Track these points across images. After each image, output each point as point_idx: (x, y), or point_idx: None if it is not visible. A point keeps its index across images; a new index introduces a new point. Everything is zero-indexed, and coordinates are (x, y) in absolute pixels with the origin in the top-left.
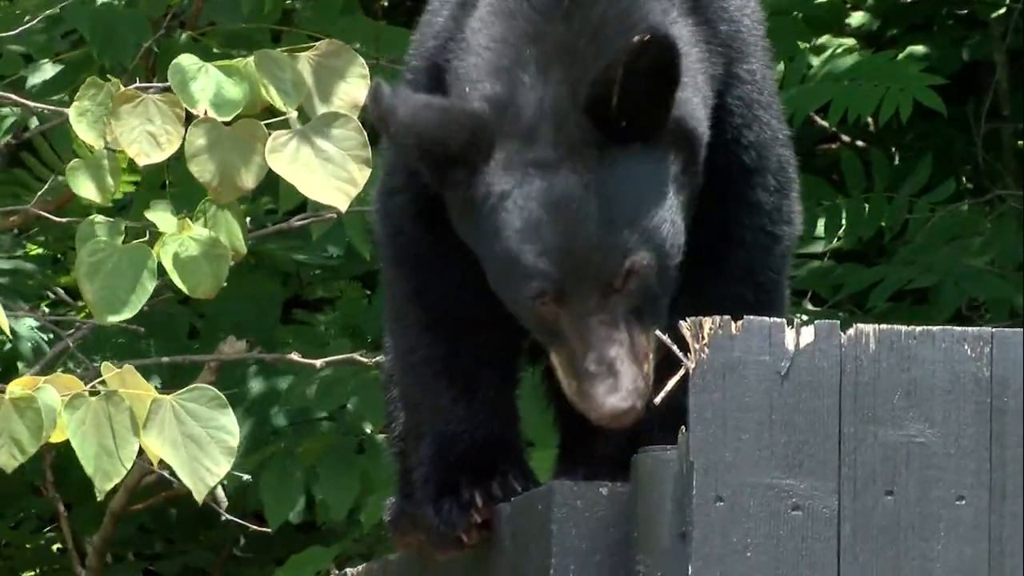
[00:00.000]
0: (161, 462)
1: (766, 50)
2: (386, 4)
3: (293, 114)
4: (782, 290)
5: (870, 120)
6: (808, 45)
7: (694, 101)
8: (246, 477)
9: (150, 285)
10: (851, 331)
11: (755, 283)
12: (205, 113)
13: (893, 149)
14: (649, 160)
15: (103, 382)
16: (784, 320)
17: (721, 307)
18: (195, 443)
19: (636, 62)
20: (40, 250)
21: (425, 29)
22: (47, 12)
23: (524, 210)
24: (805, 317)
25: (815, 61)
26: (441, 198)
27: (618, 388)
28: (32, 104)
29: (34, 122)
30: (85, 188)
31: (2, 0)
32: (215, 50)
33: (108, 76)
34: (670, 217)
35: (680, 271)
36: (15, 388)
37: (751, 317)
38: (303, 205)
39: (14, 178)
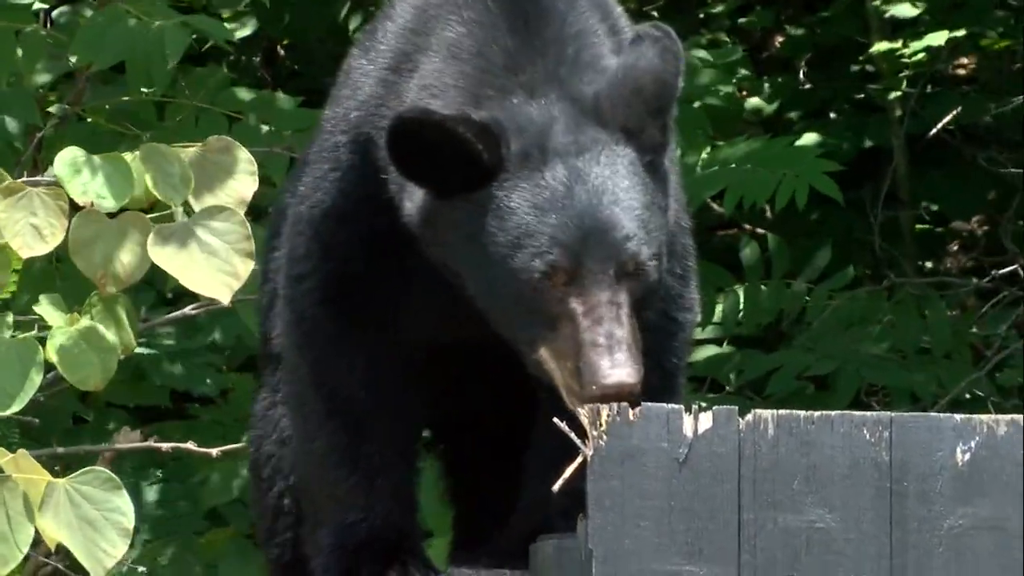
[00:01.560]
0: (58, 547)
1: (674, 138)
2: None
3: (179, 209)
4: (682, 375)
5: (767, 206)
6: (709, 136)
7: None
8: (141, 569)
9: (37, 378)
10: (749, 417)
11: (660, 368)
12: (91, 205)
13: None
14: (651, 170)
15: None
16: (682, 407)
17: None
18: (90, 525)
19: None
20: None
21: (345, 102)
22: None
23: (547, 188)
24: (704, 404)
25: (710, 149)
26: (352, 278)
27: (625, 363)
28: None
29: None
30: None
31: None
32: (101, 123)
33: None
34: (665, 226)
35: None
36: None
37: (649, 404)
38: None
39: None
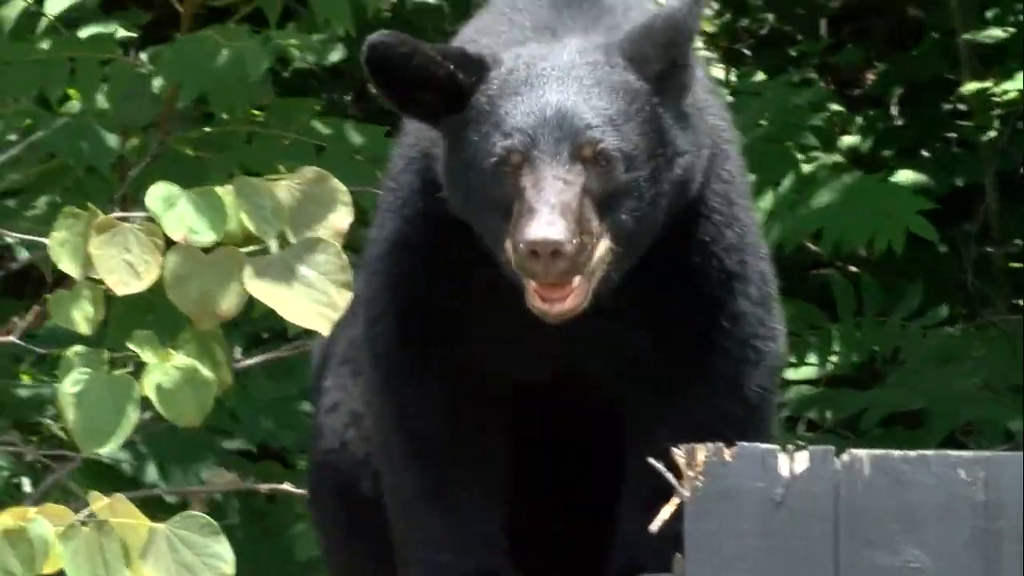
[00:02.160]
0: None
1: (743, 166)
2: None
3: (273, 241)
4: (769, 408)
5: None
6: (797, 172)
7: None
8: None
9: (134, 415)
10: (845, 456)
11: (742, 398)
12: (185, 240)
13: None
14: (662, 105)
15: (94, 513)
16: (777, 447)
17: (708, 423)
18: (189, 571)
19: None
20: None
21: (407, 125)
22: (29, 140)
23: (519, 87)
24: (799, 443)
25: (806, 176)
26: (423, 312)
27: (554, 222)
28: (10, 234)
29: (23, 252)
30: (67, 318)
31: None
32: (188, 152)
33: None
34: (660, 148)
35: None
36: (7, 519)
37: (745, 444)
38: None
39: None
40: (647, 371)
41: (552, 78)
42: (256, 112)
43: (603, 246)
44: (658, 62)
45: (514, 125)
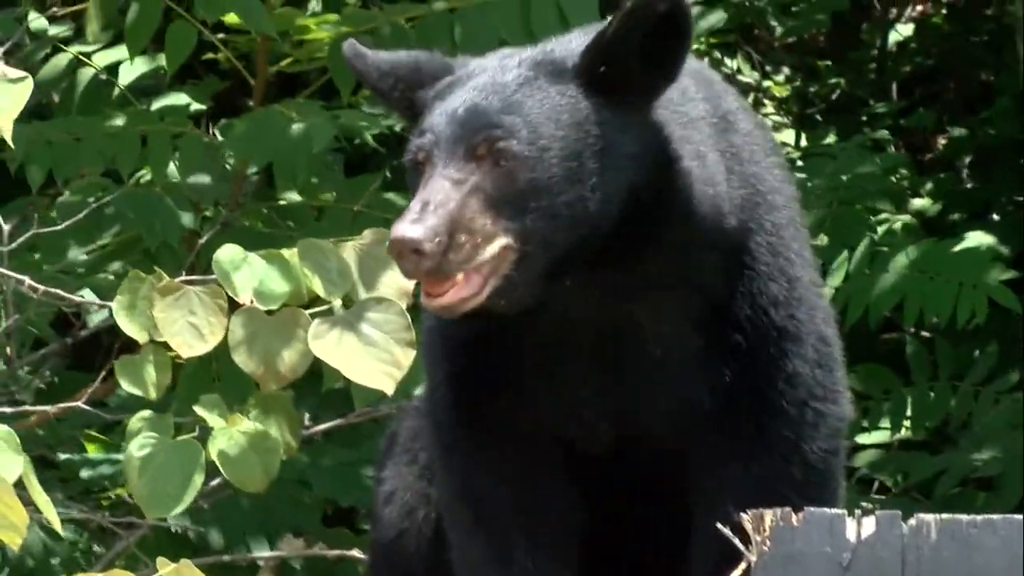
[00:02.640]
0: None
1: (797, 222)
2: None
3: (338, 302)
4: (833, 470)
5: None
6: (872, 236)
7: (693, 137)
8: None
9: (199, 480)
10: (912, 521)
11: (803, 461)
12: (250, 302)
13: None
14: (572, 100)
15: None
16: (844, 511)
17: (770, 485)
18: None
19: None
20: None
21: None
22: (93, 204)
23: (452, 84)
24: (868, 505)
25: (882, 249)
26: (478, 376)
27: (417, 221)
28: (77, 299)
29: (94, 319)
30: (134, 383)
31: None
32: (259, 226)
33: (151, 255)
34: (564, 149)
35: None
36: None
37: (812, 509)
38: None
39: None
40: (707, 431)
41: (478, 79)
42: (324, 195)
43: (496, 245)
44: (608, 69)
45: (427, 125)
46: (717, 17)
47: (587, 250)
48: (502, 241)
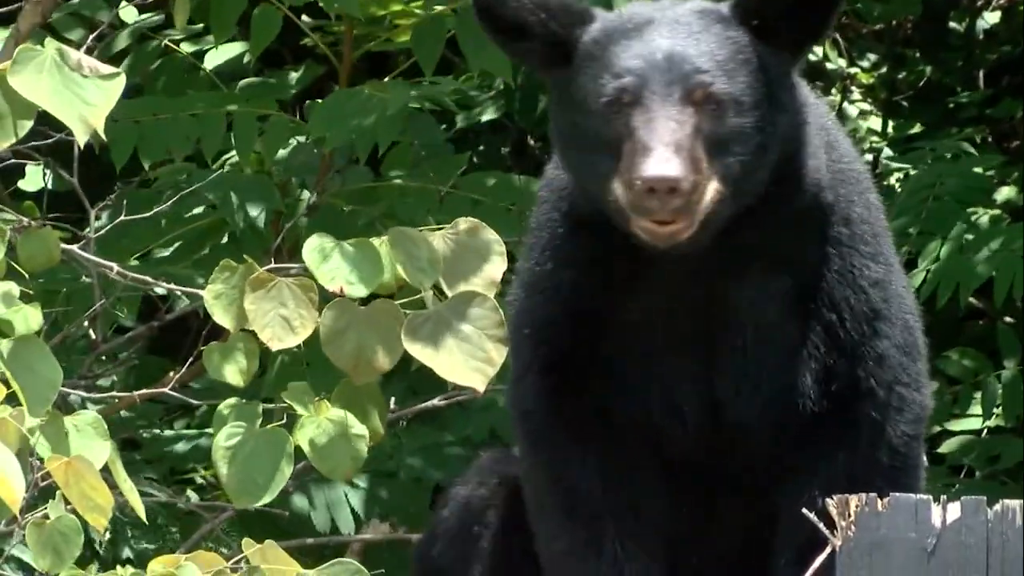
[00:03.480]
0: None
1: (882, 208)
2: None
3: (429, 292)
4: (917, 459)
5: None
6: (964, 224)
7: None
8: None
9: (288, 469)
10: (997, 507)
11: (889, 445)
12: (341, 291)
13: None
14: (771, 60)
15: (246, 559)
16: (930, 497)
17: (855, 470)
18: None
19: None
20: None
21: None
22: (181, 192)
23: (627, 32)
24: (953, 490)
25: (969, 236)
26: (567, 362)
27: (670, 159)
28: (166, 286)
29: (180, 305)
30: (222, 371)
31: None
32: (344, 208)
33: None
34: (768, 99)
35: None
36: (157, 567)
37: (897, 495)
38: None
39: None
40: (798, 416)
41: (661, 24)
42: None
43: (712, 187)
44: (765, 16)
45: (624, 67)
46: None
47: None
48: (715, 184)
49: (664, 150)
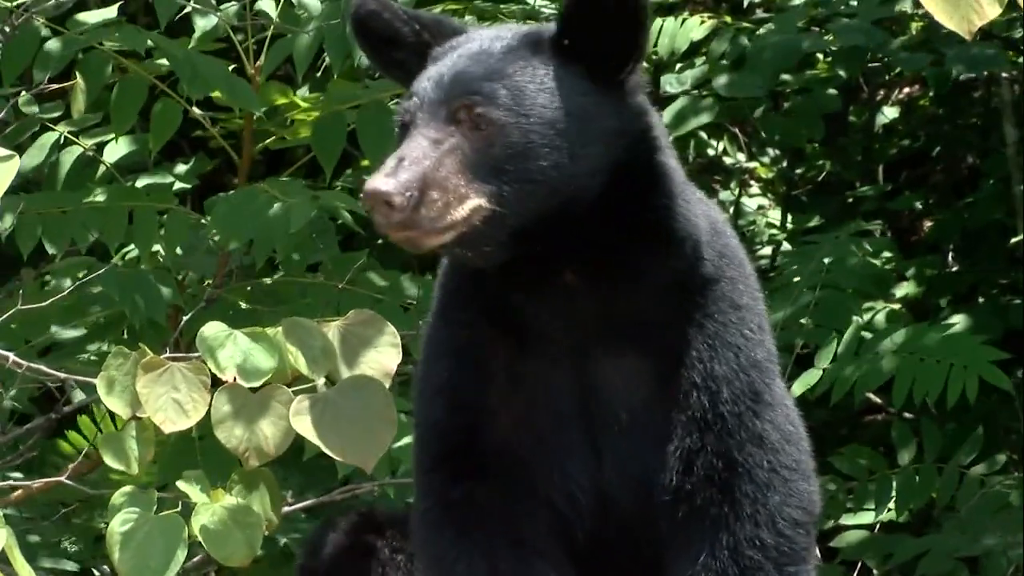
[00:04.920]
0: None
1: (757, 289)
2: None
3: (321, 380)
4: (806, 549)
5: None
6: (859, 320)
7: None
8: None
9: (181, 555)
10: None
11: (773, 527)
12: (233, 380)
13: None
14: (557, 72)
15: None
16: None
17: (739, 552)
18: None
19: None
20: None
21: None
22: (79, 282)
23: (441, 52)
24: None
25: (866, 335)
26: (462, 471)
27: (391, 174)
28: (61, 375)
29: (78, 395)
30: (117, 459)
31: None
32: (242, 305)
33: (135, 331)
34: (546, 115)
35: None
36: None
37: None
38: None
39: (55, 449)
40: (672, 492)
41: (463, 48)
42: (308, 274)
43: (468, 205)
44: (567, 34)
45: (415, 88)
46: (707, 116)
47: (568, 222)
48: (475, 202)
49: (392, 166)
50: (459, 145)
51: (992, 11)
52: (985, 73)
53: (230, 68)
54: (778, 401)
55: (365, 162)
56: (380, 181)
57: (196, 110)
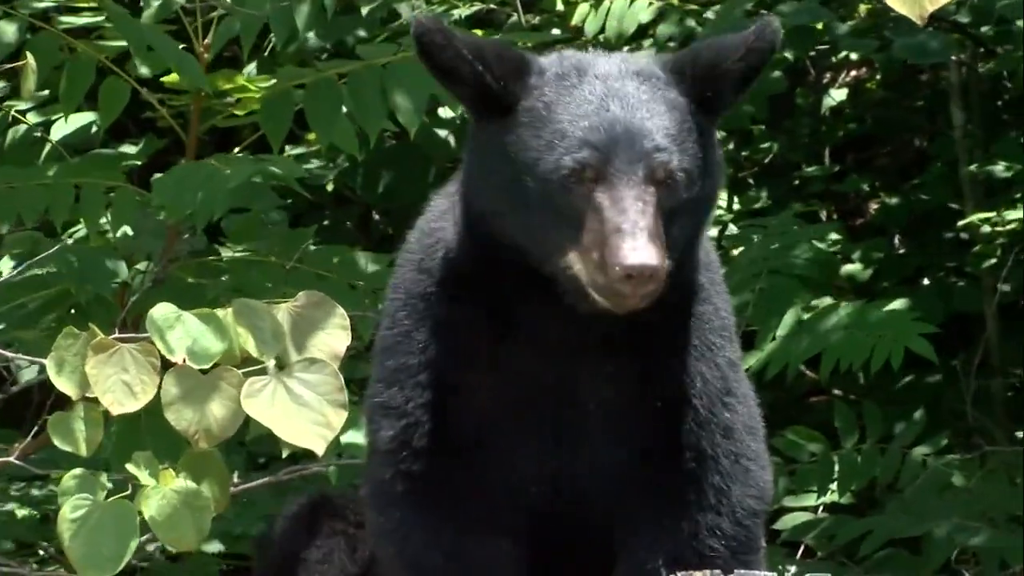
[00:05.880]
0: None
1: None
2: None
3: (271, 362)
4: (759, 537)
5: (860, 374)
6: (803, 304)
7: None
8: None
9: (134, 543)
10: None
11: (733, 515)
12: (183, 361)
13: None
14: (698, 124)
15: None
16: (774, 574)
17: (700, 539)
18: None
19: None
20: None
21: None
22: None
23: (581, 99)
24: (794, 568)
25: (806, 315)
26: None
27: (648, 247)
28: (9, 354)
29: (25, 375)
30: (67, 440)
31: None
32: (190, 280)
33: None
34: (708, 182)
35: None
36: None
37: (741, 571)
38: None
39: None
40: (642, 487)
41: (609, 89)
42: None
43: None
44: (705, 85)
45: (584, 139)
46: None
47: None
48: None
49: (641, 236)
50: (659, 203)
51: None
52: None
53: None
54: (744, 396)
55: (311, 136)
56: (643, 255)
57: (144, 90)
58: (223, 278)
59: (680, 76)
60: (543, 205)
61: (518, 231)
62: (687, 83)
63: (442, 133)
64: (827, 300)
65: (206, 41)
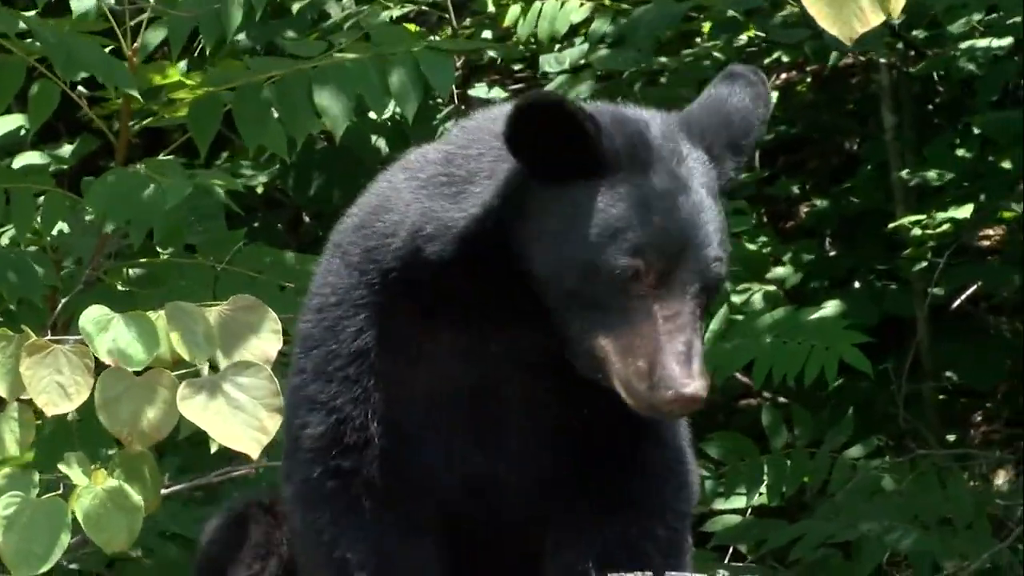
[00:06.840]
0: None
1: None
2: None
3: (204, 366)
4: (687, 540)
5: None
6: (733, 288)
7: None
8: None
9: (65, 539)
10: None
11: (664, 519)
12: (116, 363)
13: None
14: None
15: None
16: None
17: (630, 541)
18: None
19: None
20: None
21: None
22: None
23: (653, 191)
24: (725, 573)
25: (738, 317)
26: (345, 450)
27: (701, 376)
28: None
29: None
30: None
31: None
32: (119, 287)
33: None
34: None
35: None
36: None
37: (672, 574)
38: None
39: None
40: (572, 494)
41: (681, 185)
42: (185, 254)
43: None
44: (729, 162)
45: (646, 243)
46: (584, 90)
47: None
48: None
49: (696, 363)
50: (702, 311)
51: (875, 18)
52: (862, 57)
53: (108, 49)
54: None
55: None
56: (697, 385)
57: (76, 91)
58: (153, 280)
59: (712, 150)
60: (593, 290)
61: (553, 287)
62: (717, 156)
63: (373, 137)
64: (759, 291)
65: (135, 45)
